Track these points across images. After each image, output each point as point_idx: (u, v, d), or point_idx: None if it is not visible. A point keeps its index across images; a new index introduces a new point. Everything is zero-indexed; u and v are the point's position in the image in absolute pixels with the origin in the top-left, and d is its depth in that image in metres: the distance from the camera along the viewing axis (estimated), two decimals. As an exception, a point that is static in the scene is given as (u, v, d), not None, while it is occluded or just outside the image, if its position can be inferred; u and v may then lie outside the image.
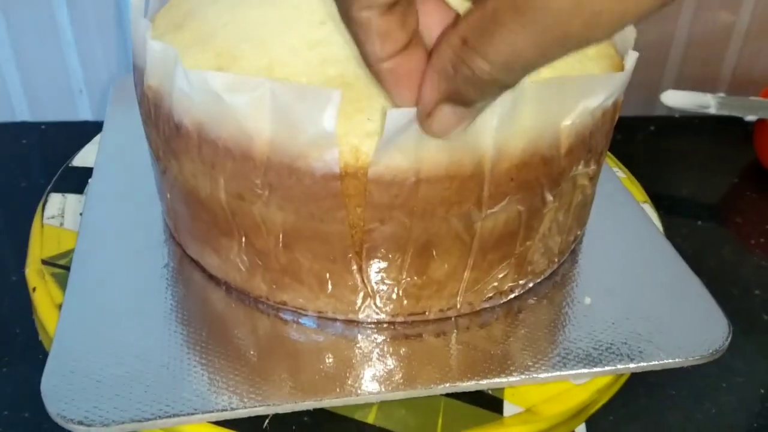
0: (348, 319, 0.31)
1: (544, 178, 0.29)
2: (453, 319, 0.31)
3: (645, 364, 0.30)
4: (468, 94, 0.21)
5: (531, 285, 0.33)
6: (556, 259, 0.34)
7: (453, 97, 0.22)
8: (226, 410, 0.27)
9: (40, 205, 0.37)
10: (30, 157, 0.50)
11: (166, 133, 0.30)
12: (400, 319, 0.31)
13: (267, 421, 0.27)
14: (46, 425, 0.33)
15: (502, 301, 0.32)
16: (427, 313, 0.31)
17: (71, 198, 0.38)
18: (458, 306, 0.31)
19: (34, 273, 0.33)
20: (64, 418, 0.26)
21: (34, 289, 0.33)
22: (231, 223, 0.30)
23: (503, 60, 0.19)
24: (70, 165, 0.40)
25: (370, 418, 0.28)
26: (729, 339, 0.30)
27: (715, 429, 0.36)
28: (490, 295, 0.31)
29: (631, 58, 0.30)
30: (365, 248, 0.28)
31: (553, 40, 0.18)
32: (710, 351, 0.30)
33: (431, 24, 0.22)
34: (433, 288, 0.30)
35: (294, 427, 0.27)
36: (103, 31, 0.50)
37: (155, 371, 0.28)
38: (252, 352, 0.30)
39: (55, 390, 0.27)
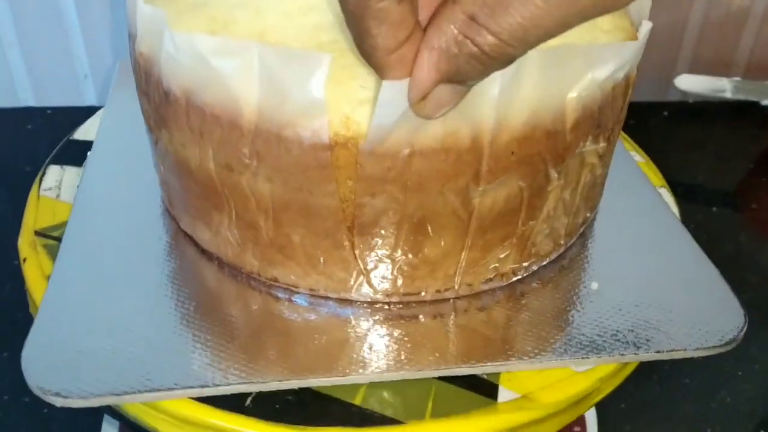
0: (341, 297, 0.30)
1: (548, 153, 0.27)
2: (451, 301, 0.30)
3: (652, 353, 0.28)
4: (470, 71, 0.20)
5: (535, 268, 0.31)
6: (562, 242, 0.32)
7: (452, 77, 0.21)
8: (208, 386, 0.26)
9: (39, 176, 0.37)
10: (35, 142, 0.50)
11: (156, 100, 0.29)
12: (395, 299, 0.30)
13: (250, 398, 0.26)
14: (46, 410, 0.33)
15: (503, 284, 0.31)
16: (423, 294, 0.29)
17: (70, 170, 0.37)
18: (456, 287, 0.30)
19: (26, 244, 0.33)
20: (41, 389, 0.26)
21: (24, 259, 0.32)
22: (221, 195, 0.29)
23: (515, 34, 0.18)
24: (71, 138, 0.40)
25: (357, 400, 0.27)
26: (744, 329, 0.29)
27: (730, 418, 0.35)
28: (491, 276, 0.30)
29: (645, 28, 0.28)
30: (357, 223, 0.27)
31: (575, 9, 0.18)
32: (723, 341, 0.28)
33: (421, 2, 0.21)
34: (428, 267, 0.29)
35: (277, 406, 0.26)
36: (108, 15, 0.49)
37: (139, 345, 0.28)
38: (241, 329, 0.29)
39: (35, 361, 0.27)
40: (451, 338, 0.29)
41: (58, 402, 0.26)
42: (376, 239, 0.28)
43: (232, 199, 0.28)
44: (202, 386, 0.26)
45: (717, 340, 0.28)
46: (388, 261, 0.28)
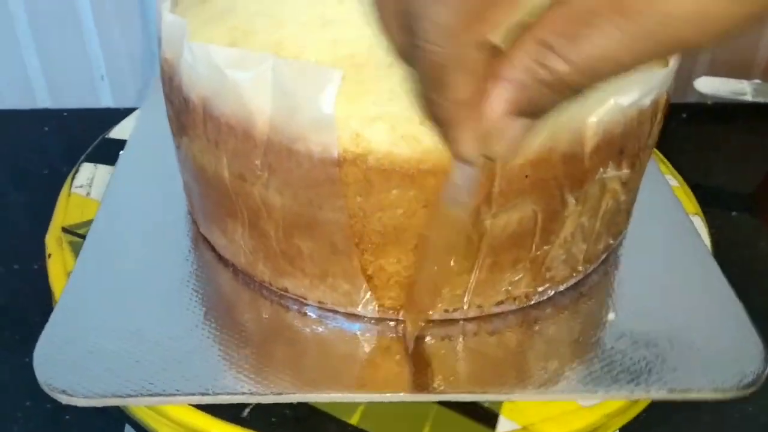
0: (349, 312, 0.30)
1: (565, 178, 0.26)
2: (461, 322, 0.29)
3: (664, 392, 0.27)
4: (542, 101, 0.19)
5: (551, 293, 0.31)
6: (580, 268, 0.31)
7: (524, 107, 0.20)
8: (208, 394, 0.26)
9: (72, 172, 0.38)
10: (51, 144, 0.50)
11: (177, 107, 0.29)
12: (402, 317, 0.29)
13: (248, 410, 0.27)
14: (67, 416, 0.34)
15: (516, 308, 0.30)
16: (430, 313, 0.29)
17: (102, 169, 0.38)
18: (465, 308, 0.29)
19: (53, 240, 0.34)
20: (49, 385, 0.26)
21: (49, 255, 0.33)
22: (235, 203, 0.29)
23: (589, 64, 0.18)
24: (107, 137, 0.41)
25: (354, 419, 0.26)
26: (766, 374, 0.27)
27: (752, 428, 0.33)
28: (502, 299, 0.29)
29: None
30: (365, 240, 0.27)
31: (653, 45, 0.17)
32: (742, 384, 0.27)
33: None
34: None
35: (273, 420, 0.26)
36: (125, 17, 0.49)
37: (148, 348, 0.28)
38: (249, 338, 0.29)
39: (47, 357, 0.27)
40: (457, 362, 0.28)
41: (64, 399, 0.26)
42: (384, 256, 0.27)
43: (245, 209, 0.29)
44: (203, 393, 0.26)
45: (736, 383, 0.27)
46: (396, 278, 0.28)
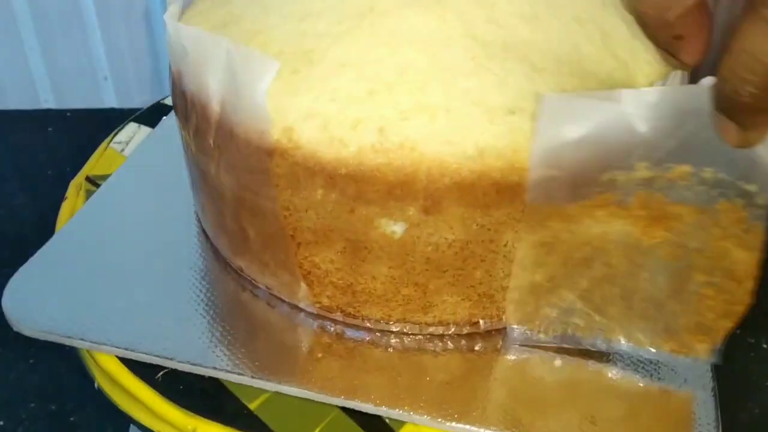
0: (291, 302, 0.30)
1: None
2: (394, 334, 0.29)
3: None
4: None
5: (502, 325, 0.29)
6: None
7: None
8: (130, 350, 0.28)
9: (117, 129, 0.41)
10: (56, 145, 0.50)
11: (172, 82, 0.31)
12: (338, 316, 0.29)
13: (162, 373, 0.28)
14: (72, 417, 0.35)
15: (451, 332, 0.29)
16: (363, 320, 0.29)
17: (144, 130, 0.41)
18: (391, 320, 0.28)
19: (74, 185, 0.37)
20: (7, 309, 0.29)
21: (65, 198, 0.36)
22: (202, 181, 0.30)
23: None
24: (161, 101, 0.44)
25: (254, 404, 0.27)
26: None
27: (759, 429, 0.30)
28: (441, 319, 0.28)
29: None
30: (298, 234, 0.27)
31: None
32: None
33: None
34: (366, 293, 0.28)
35: (181, 387, 0.27)
36: (128, 18, 0.49)
37: (108, 300, 0.30)
38: (208, 311, 0.30)
39: (19, 285, 0.30)
40: (376, 372, 0.28)
41: (13, 325, 0.29)
42: (315, 253, 0.27)
43: (207, 185, 0.30)
44: (126, 348, 0.28)
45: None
46: (326, 277, 0.28)
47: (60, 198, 0.36)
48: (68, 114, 0.51)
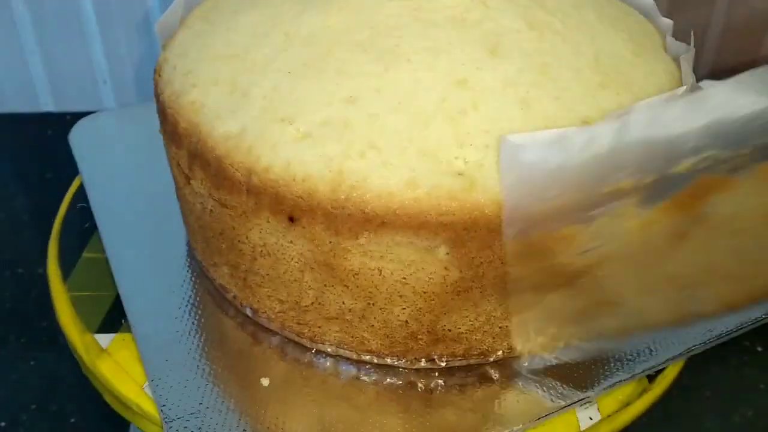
0: (254, 318, 0.30)
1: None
2: (347, 360, 0.28)
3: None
4: None
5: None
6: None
7: None
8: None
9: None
10: (55, 148, 0.48)
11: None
12: (294, 336, 0.29)
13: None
14: (72, 419, 0.34)
15: (406, 364, 0.28)
16: (316, 343, 0.28)
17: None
18: (337, 346, 0.28)
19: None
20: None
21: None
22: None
23: None
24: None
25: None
26: None
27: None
28: (397, 350, 0.28)
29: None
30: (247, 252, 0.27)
31: None
32: None
33: None
34: (311, 314, 0.28)
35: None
36: (128, 21, 0.49)
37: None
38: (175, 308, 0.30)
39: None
40: (316, 399, 0.27)
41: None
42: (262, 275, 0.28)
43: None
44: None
45: None
46: (274, 299, 0.28)
47: (58, 200, 0.36)
48: (68, 117, 0.51)
